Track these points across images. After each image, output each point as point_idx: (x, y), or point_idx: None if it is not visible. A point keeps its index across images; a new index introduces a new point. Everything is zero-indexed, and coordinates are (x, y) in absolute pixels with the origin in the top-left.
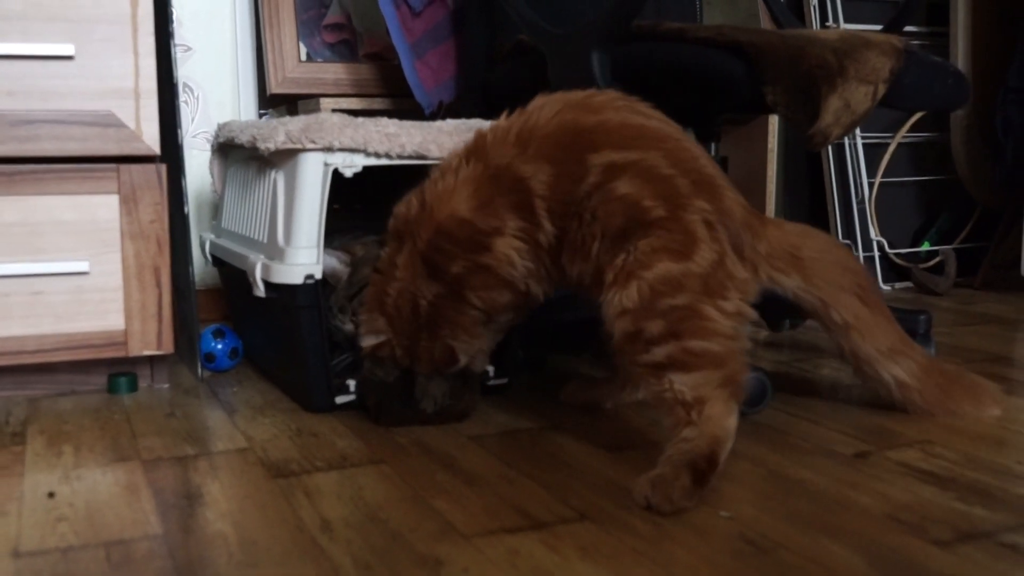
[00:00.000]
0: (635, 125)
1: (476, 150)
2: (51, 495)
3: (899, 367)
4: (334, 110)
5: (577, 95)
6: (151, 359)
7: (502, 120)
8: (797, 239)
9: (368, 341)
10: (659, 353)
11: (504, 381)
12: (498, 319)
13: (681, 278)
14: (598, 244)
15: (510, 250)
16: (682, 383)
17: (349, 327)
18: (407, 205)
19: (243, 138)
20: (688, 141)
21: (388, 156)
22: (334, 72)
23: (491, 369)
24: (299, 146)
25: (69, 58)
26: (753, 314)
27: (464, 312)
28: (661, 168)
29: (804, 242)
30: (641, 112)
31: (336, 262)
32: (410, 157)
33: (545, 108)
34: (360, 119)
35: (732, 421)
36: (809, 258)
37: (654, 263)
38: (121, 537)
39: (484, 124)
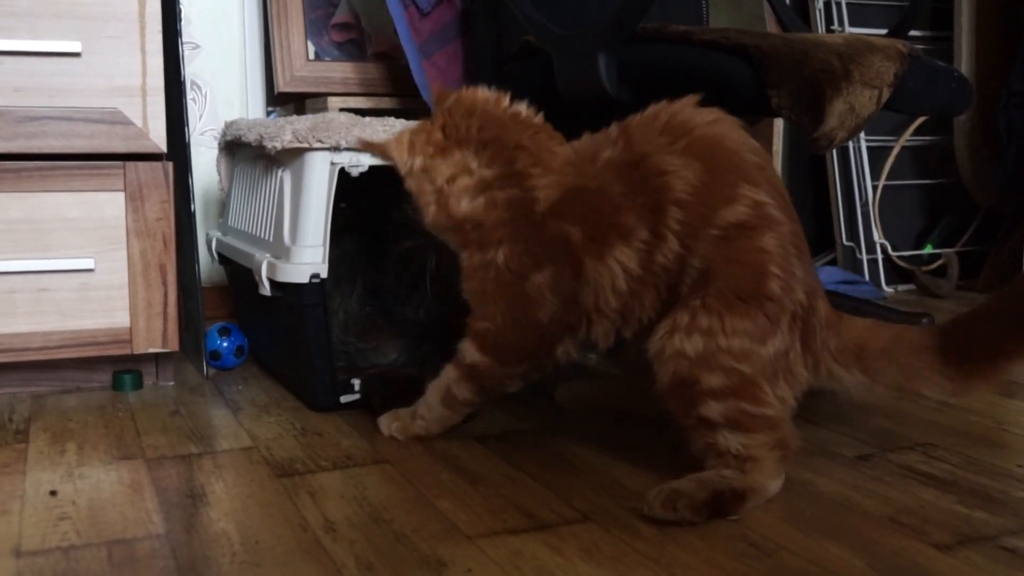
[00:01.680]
0: (780, 185)
1: (623, 129)
2: (53, 493)
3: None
4: (341, 109)
5: (734, 121)
6: (156, 357)
7: (650, 107)
8: (868, 333)
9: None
10: (716, 409)
11: None
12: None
13: (750, 354)
14: (713, 284)
15: (620, 259)
16: (737, 442)
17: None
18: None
19: (250, 136)
20: (798, 222)
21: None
22: (342, 71)
23: None
24: (306, 145)
25: (76, 55)
26: (796, 405)
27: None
28: (793, 244)
29: (873, 335)
30: (776, 184)
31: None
32: None
33: (701, 113)
34: (367, 119)
35: (776, 484)
36: (874, 351)
37: (732, 337)
38: (123, 536)
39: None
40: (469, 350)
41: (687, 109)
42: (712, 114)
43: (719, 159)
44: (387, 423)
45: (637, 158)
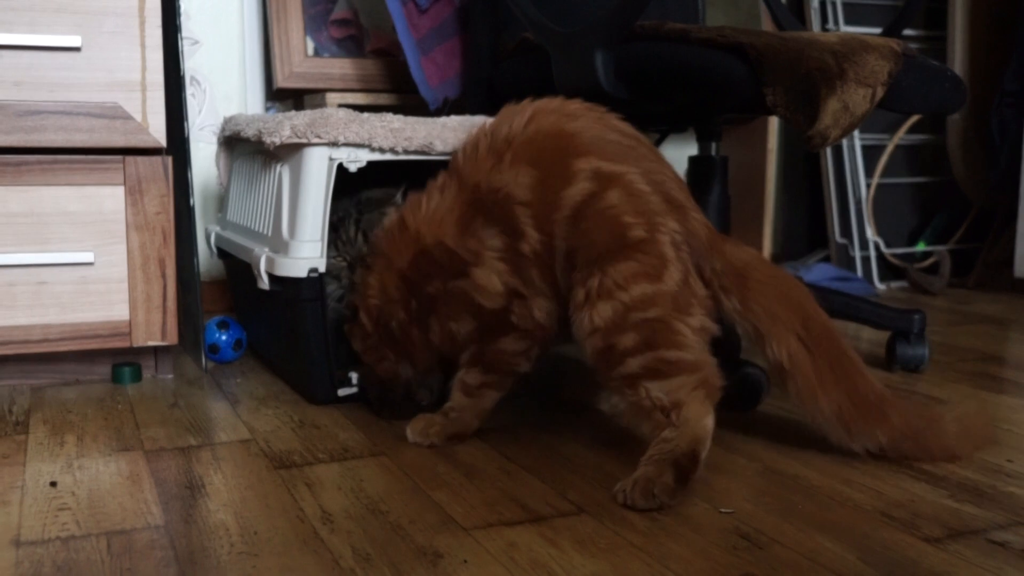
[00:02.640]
0: (615, 138)
1: (456, 172)
2: (53, 484)
3: (856, 441)
4: (340, 105)
5: (548, 102)
6: (155, 350)
7: (470, 136)
8: (751, 260)
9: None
10: (633, 364)
11: None
12: (455, 353)
13: (654, 296)
14: (580, 255)
15: (490, 277)
16: (658, 390)
17: (362, 248)
18: (380, 232)
19: (249, 132)
20: (659, 158)
21: (393, 151)
22: (340, 67)
23: None
24: (304, 140)
25: (76, 50)
26: (716, 329)
27: (423, 345)
28: (640, 184)
29: (756, 265)
30: (616, 125)
31: None
32: (415, 152)
33: (516, 117)
34: (365, 114)
35: (710, 421)
36: (756, 281)
37: (630, 285)
38: (123, 527)
39: (488, 121)
40: None
41: (503, 125)
42: (526, 115)
43: (543, 152)
44: (421, 429)
45: (469, 193)
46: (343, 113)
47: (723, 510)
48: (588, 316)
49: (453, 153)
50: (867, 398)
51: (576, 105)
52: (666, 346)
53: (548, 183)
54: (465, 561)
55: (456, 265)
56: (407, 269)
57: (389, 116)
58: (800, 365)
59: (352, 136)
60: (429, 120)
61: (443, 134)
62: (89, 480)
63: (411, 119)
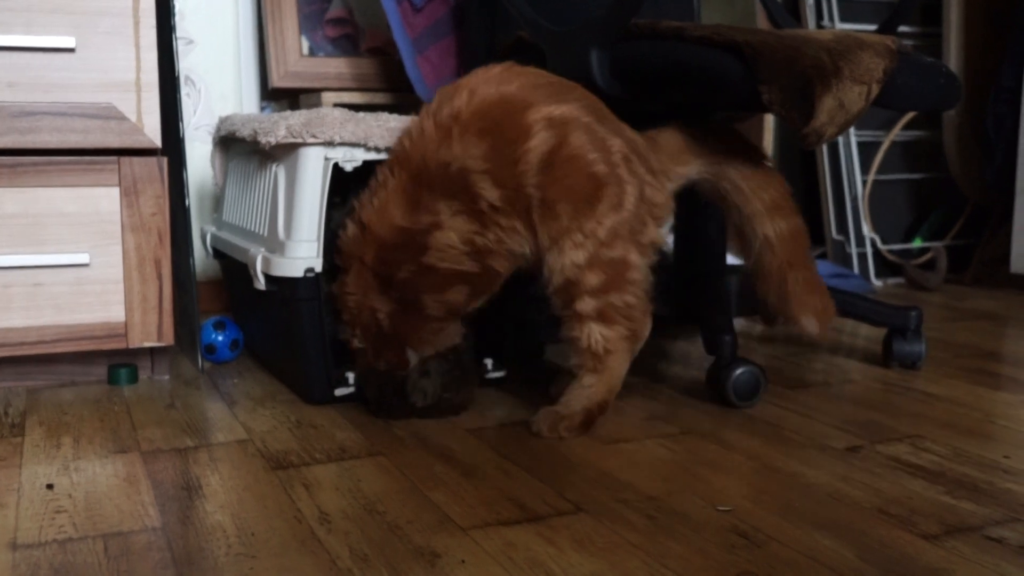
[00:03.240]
0: (547, 82)
1: (398, 159)
2: (50, 487)
3: (772, 227)
4: (336, 104)
5: (481, 74)
6: (151, 351)
7: (411, 122)
8: (674, 137)
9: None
10: (589, 304)
11: (502, 374)
12: (466, 310)
13: (618, 227)
14: (564, 206)
15: (449, 236)
16: (599, 334)
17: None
18: (345, 234)
19: (244, 132)
20: (579, 88)
21: (389, 151)
22: (336, 66)
23: (489, 362)
24: (300, 140)
25: (71, 50)
26: (664, 241)
27: (422, 321)
28: (585, 117)
29: (675, 136)
30: (537, 71)
31: None
32: None
33: (455, 95)
34: (361, 114)
35: (625, 368)
36: (692, 147)
37: (604, 222)
38: (120, 529)
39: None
40: None
41: (444, 105)
42: (464, 91)
43: (492, 120)
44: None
45: (415, 171)
46: (339, 113)
47: (721, 508)
48: (571, 255)
49: (393, 145)
50: (786, 193)
51: (498, 68)
52: (619, 289)
53: (504, 146)
54: (463, 561)
55: (416, 241)
56: (374, 264)
57: (385, 115)
58: (749, 177)
59: (348, 136)
60: None
61: None
62: (86, 482)
63: (407, 118)
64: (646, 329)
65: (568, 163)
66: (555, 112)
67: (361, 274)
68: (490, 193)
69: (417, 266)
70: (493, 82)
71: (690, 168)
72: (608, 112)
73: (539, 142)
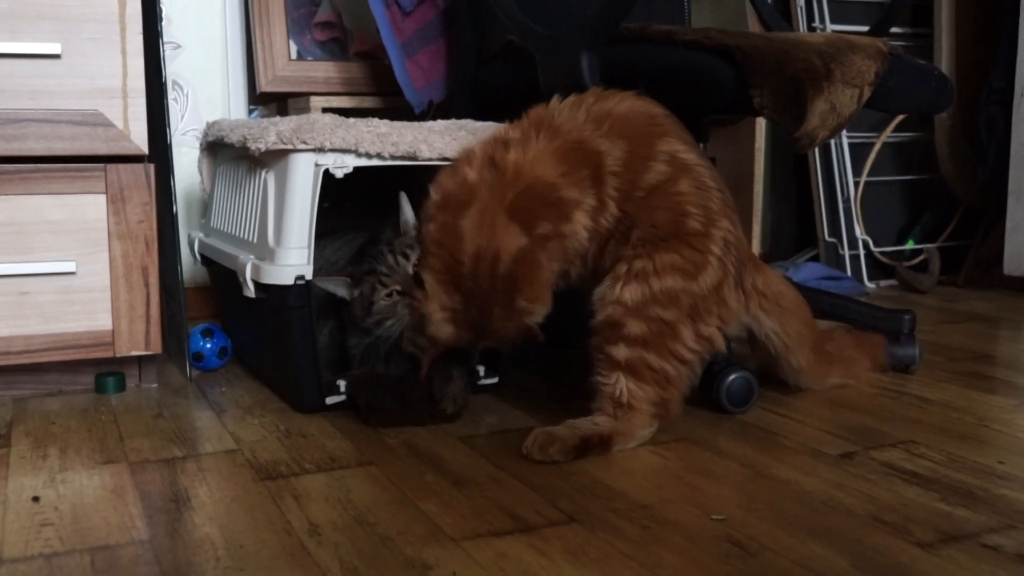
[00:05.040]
0: (685, 131)
1: (542, 124)
2: (36, 499)
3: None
4: (324, 109)
5: (627, 93)
6: (139, 359)
7: (560, 103)
8: (782, 287)
9: (434, 328)
10: (623, 352)
11: (495, 381)
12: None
13: (680, 294)
14: (637, 232)
15: (581, 227)
16: (625, 387)
17: (408, 269)
18: (458, 174)
19: (233, 137)
20: (711, 163)
21: (380, 156)
22: (324, 71)
23: (481, 369)
24: (290, 147)
25: (56, 57)
26: (722, 345)
27: (540, 273)
28: (707, 179)
29: (786, 292)
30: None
31: (341, 287)
32: (401, 157)
33: (609, 97)
34: (351, 119)
35: (644, 433)
36: (787, 308)
37: (665, 276)
38: (107, 542)
39: (475, 124)
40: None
41: (600, 102)
42: (618, 96)
43: (634, 129)
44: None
45: (571, 145)
46: (329, 118)
47: (714, 517)
48: (620, 290)
49: (535, 111)
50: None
51: (660, 108)
52: (660, 353)
53: (634, 160)
54: (454, 573)
55: (562, 205)
56: (513, 208)
57: (375, 121)
58: (810, 364)
59: (338, 142)
60: (415, 125)
61: (429, 138)
62: (72, 494)
63: (397, 124)
64: (676, 408)
65: (664, 198)
66: (680, 153)
67: (489, 214)
68: (612, 197)
69: (555, 229)
70: (639, 99)
71: (768, 321)
72: (730, 200)
73: (655, 173)
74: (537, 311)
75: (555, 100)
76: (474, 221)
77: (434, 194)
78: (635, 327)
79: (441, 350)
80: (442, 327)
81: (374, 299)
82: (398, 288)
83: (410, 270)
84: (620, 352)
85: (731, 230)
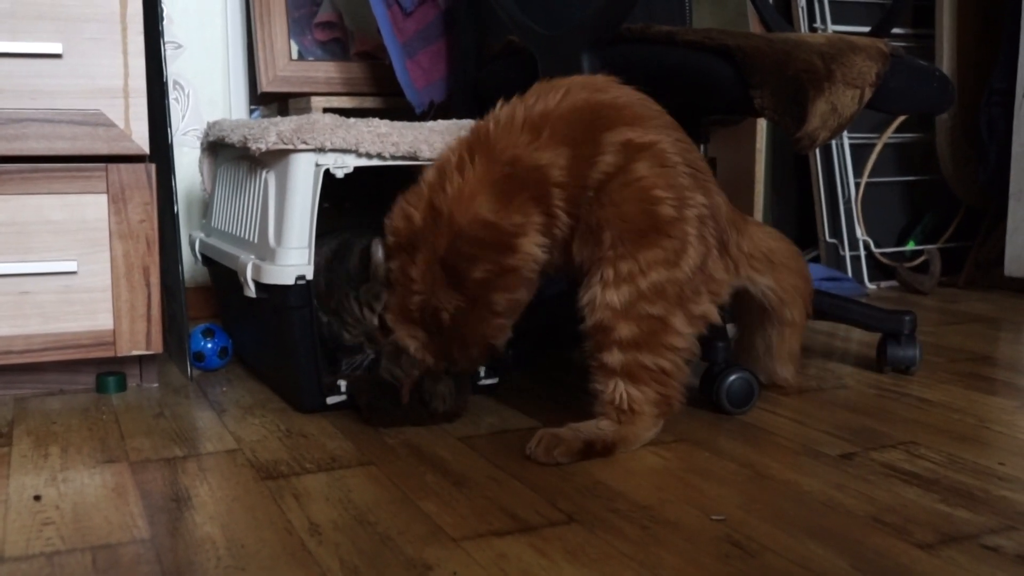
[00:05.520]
0: (644, 107)
1: (479, 144)
2: (37, 498)
3: (791, 370)
4: (325, 109)
5: (578, 78)
6: (140, 359)
7: (500, 110)
8: (773, 243)
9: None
10: (617, 358)
11: (495, 381)
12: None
13: (666, 285)
14: (609, 233)
15: (533, 250)
16: (624, 393)
17: (372, 322)
18: (406, 216)
19: (234, 138)
20: (682, 132)
21: (380, 156)
22: (325, 71)
23: (482, 369)
24: (291, 147)
25: (57, 56)
26: (717, 318)
27: (488, 320)
28: (670, 155)
29: (778, 246)
30: (643, 97)
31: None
32: (402, 157)
33: (550, 92)
34: (352, 120)
35: (649, 435)
36: (780, 263)
37: (650, 272)
38: (108, 541)
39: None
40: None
41: (539, 100)
42: (560, 91)
43: (576, 129)
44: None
45: (506, 167)
46: (329, 119)
47: (714, 517)
48: (607, 294)
49: (477, 125)
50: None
51: (603, 79)
52: (654, 351)
53: (579, 162)
54: (455, 573)
55: (503, 240)
56: (448, 257)
57: (376, 121)
58: (801, 322)
59: (339, 142)
60: (416, 125)
61: (430, 139)
62: (74, 493)
63: (398, 124)
64: (679, 399)
65: (627, 188)
66: (634, 137)
67: (430, 266)
68: (560, 207)
69: (498, 266)
70: (587, 88)
71: (761, 279)
72: (705, 166)
73: (603, 166)
74: (496, 344)
75: (497, 106)
76: (419, 270)
77: (388, 235)
78: (625, 330)
79: (420, 374)
80: (416, 354)
81: (342, 333)
82: (362, 338)
83: (375, 322)
84: (614, 358)
85: (705, 203)
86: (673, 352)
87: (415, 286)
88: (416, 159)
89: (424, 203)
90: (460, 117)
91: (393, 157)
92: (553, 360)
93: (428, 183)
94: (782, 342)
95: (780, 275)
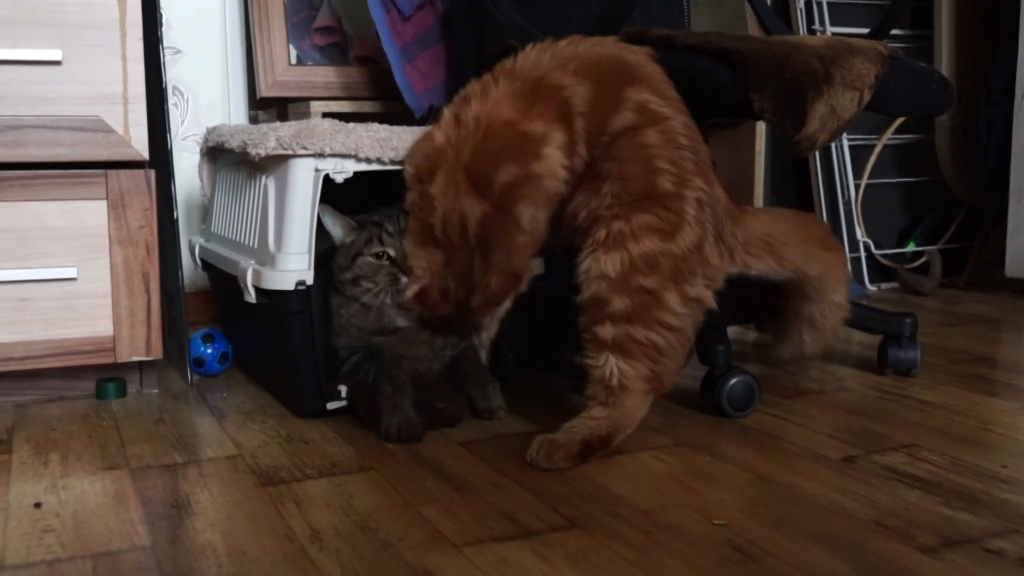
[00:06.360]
0: (665, 83)
1: (503, 72)
2: (37, 505)
3: (838, 293)
4: (324, 114)
5: (611, 38)
6: (140, 365)
7: (530, 48)
8: (768, 227)
9: (411, 290)
10: (609, 331)
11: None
12: (530, 265)
13: (660, 257)
14: (609, 186)
15: (556, 163)
16: (615, 367)
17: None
18: (429, 140)
19: (233, 143)
20: (692, 120)
21: (379, 161)
22: (324, 75)
23: None
24: (290, 152)
25: (57, 63)
26: (712, 303)
27: (513, 234)
28: (680, 136)
29: (773, 229)
30: (666, 77)
31: (339, 226)
32: (401, 162)
33: (582, 41)
34: (351, 124)
35: (641, 413)
36: (778, 243)
37: (642, 238)
38: (109, 548)
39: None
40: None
41: (568, 45)
42: (591, 40)
43: (603, 73)
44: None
45: (531, 84)
46: (328, 124)
47: (716, 522)
48: (602, 261)
49: (500, 64)
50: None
51: (636, 47)
52: (646, 324)
53: (600, 102)
54: None
55: (527, 144)
56: (472, 161)
57: (375, 126)
58: (828, 264)
59: (338, 147)
60: (414, 129)
61: None
62: (74, 500)
63: (396, 128)
64: (671, 378)
65: (632, 149)
66: (652, 103)
67: (452, 175)
68: (580, 137)
69: (523, 172)
70: (618, 46)
71: (759, 263)
72: (708, 157)
73: (620, 120)
74: (519, 275)
75: (528, 48)
76: (440, 186)
77: (408, 166)
78: (619, 303)
79: (429, 316)
80: (432, 289)
81: (364, 251)
82: (391, 253)
83: (391, 253)
84: (606, 331)
85: (705, 189)
86: (666, 329)
87: (436, 202)
88: None
89: (446, 123)
90: None
91: (392, 162)
92: (552, 364)
93: (450, 109)
94: (824, 293)
95: (782, 252)
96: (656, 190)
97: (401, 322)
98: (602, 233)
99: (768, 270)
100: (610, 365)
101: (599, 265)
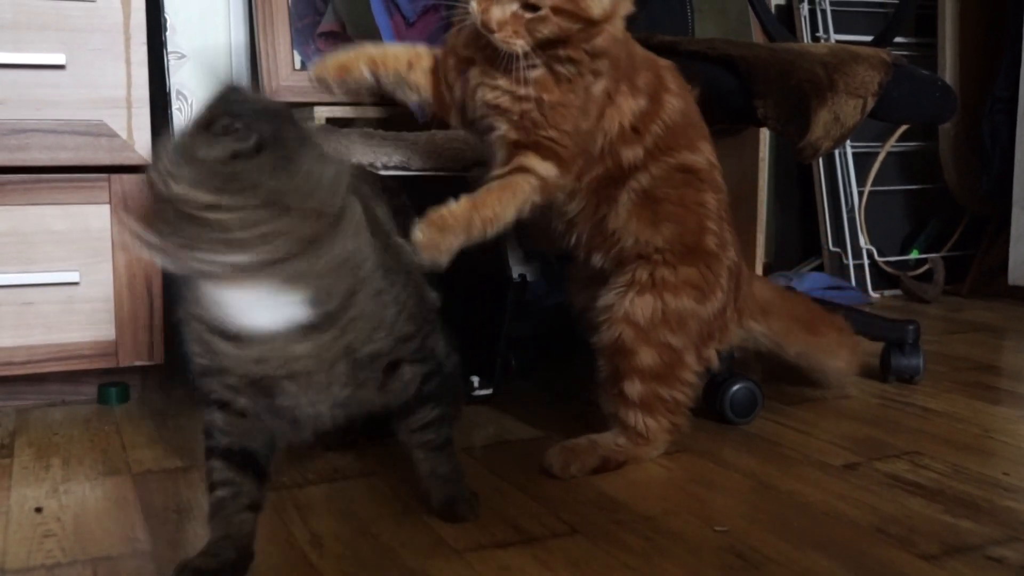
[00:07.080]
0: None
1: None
2: (38, 510)
3: (837, 360)
4: (328, 118)
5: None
6: (142, 369)
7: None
8: (767, 294)
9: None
10: (636, 389)
11: (489, 391)
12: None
13: (689, 319)
14: (668, 228)
15: (629, 110)
16: (644, 423)
17: None
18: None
19: None
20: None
21: (372, 168)
22: None
23: (476, 379)
24: None
25: (61, 67)
26: (717, 364)
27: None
28: (722, 206)
29: (771, 297)
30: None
31: None
32: (394, 168)
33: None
34: (346, 130)
35: (655, 454)
36: (775, 312)
37: (681, 294)
38: (109, 553)
39: None
40: None
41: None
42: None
43: (693, 112)
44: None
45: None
46: (325, 129)
47: (717, 528)
48: (632, 303)
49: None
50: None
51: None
52: (670, 384)
53: (684, 128)
54: None
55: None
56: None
57: (369, 132)
58: (808, 340)
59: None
60: (410, 135)
61: (426, 149)
62: (75, 505)
63: (391, 134)
64: (684, 428)
65: (691, 205)
66: (716, 171)
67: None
68: (653, 131)
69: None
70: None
71: (757, 327)
72: (732, 227)
73: (691, 159)
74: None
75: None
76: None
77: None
78: (646, 357)
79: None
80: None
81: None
82: None
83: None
84: (634, 389)
85: (735, 260)
86: (685, 386)
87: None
88: (407, 170)
89: None
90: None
91: (385, 168)
92: (553, 369)
93: None
94: (810, 354)
95: (770, 320)
96: (703, 246)
97: None
98: (644, 274)
99: (759, 335)
100: (639, 421)
101: (630, 307)
